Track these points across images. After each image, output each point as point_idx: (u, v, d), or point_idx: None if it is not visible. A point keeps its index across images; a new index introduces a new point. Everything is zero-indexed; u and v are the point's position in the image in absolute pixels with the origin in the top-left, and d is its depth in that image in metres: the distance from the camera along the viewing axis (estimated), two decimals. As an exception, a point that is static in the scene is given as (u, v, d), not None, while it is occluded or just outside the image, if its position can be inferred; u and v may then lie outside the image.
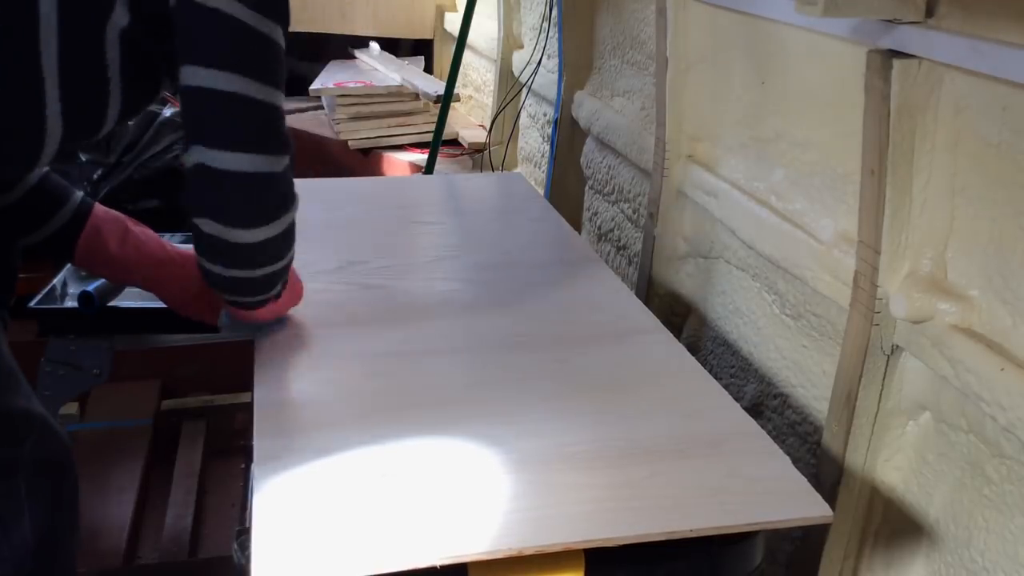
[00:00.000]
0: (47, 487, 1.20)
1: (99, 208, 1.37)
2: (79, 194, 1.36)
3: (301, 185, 1.76)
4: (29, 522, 1.16)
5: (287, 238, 1.14)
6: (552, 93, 2.58)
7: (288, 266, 1.19)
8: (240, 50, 1.02)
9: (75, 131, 1.07)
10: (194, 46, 1.02)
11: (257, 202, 1.07)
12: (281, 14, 1.05)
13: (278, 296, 1.23)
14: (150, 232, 1.43)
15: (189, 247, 1.51)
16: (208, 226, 1.08)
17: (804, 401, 1.50)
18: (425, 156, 2.90)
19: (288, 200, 1.11)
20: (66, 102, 1.02)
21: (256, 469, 0.99)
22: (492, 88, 3.18)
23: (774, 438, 1.09)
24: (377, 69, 3.52)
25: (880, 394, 1.25)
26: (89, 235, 1.34)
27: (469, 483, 0.98)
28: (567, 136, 2.53)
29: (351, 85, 3.22)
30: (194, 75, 1.01)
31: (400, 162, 3.19)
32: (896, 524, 1.29)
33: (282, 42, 1.06)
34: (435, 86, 3.37)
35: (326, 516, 0.92)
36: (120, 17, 1.02)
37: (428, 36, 3.97)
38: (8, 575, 1.16)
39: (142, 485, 1.91)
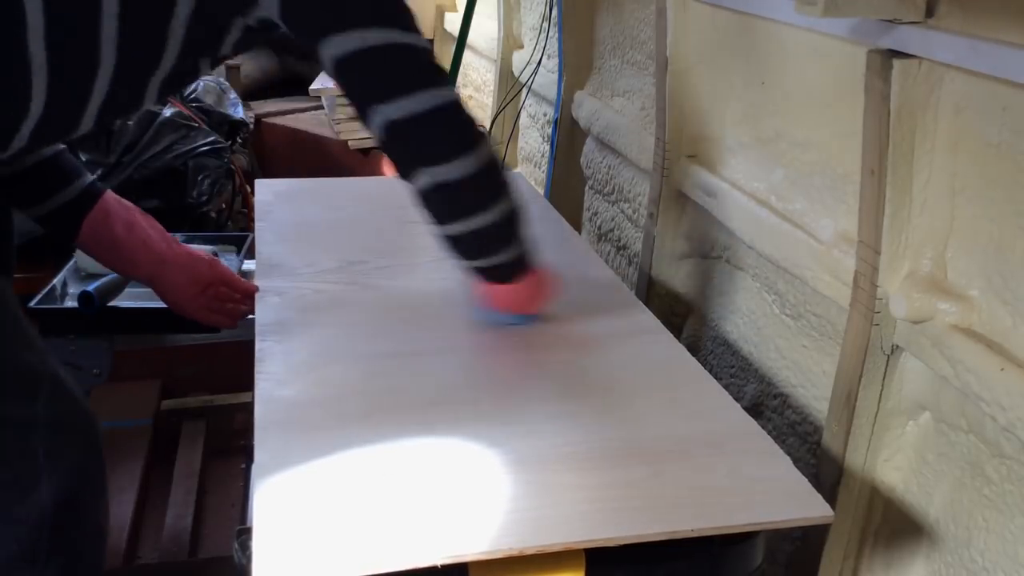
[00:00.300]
0: (68, 452, 1.20)
1: (110, 194, 1.37)
2: (91, 177, 1.36)
3: (301, 185, 1.77)
4: (47, 485, 1.16)
5: (493, 174, 1.14)
6: (552, 93, 2.58)
7: (510, 218, 1.19)
8: (365, 5, 1.06)
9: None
10: (325, 19, 1.05)
11: (448, 131, 1.10)
12: None
13: (517, 270, 1.23)
14: (158, 226, 1.44)
15: (194, 247, 1.52)
16: (421, 178, 1.11)
17: (804, 401, 1.50)
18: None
19: (474, 128, 1.12)
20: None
21: (256, 469, 0.99)
22: (492, 88, 3.18)
23: (774, 438, 1.09)
24: (377, 69, 3.51)
25: (880, 394, 1.25)
26: (96, 217, 1.34)
27: (469, 483, 0.98)
28: (567, 136, 2.53)
29: (351, 85, 3.21)
30: (337, 45, 1.04)
31: (400, 162, 3.19)
32: (896, 524, 1.30)
33: None
34: (435, 86, 3.35)
35: (326, 516, 0.92)
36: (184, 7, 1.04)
37: (428, 36, 3.96)
38: (23, 538, 1.15)
39: (142, 485, 1.91)
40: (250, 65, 3.96)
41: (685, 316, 1.91)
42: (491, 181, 1.15)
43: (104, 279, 1.76)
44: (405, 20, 1.08)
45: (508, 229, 1.20)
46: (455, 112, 1.11)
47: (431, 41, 4.01)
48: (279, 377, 1.18)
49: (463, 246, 1.20)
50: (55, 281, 1.88)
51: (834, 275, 1.34)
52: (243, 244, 2.07)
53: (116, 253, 1.39)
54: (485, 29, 3.22)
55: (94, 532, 1.28)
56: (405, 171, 1.13)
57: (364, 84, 1.09)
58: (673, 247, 1.91)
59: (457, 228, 1.16)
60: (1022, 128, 1.05)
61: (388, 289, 1.46)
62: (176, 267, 1.43)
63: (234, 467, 2.04)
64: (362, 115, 1.10)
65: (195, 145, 2.78)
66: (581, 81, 2.47)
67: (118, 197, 1.39)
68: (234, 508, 1.94)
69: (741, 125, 1.67)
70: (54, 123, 1.06)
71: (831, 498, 1.29)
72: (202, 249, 1.54)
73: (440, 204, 1.15)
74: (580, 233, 2.46)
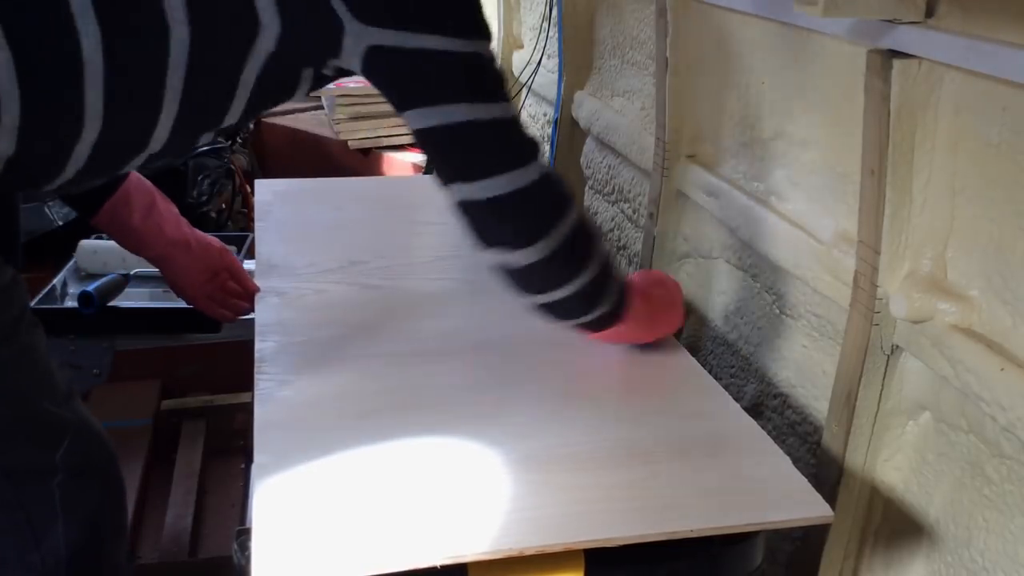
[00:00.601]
0: (87, 494, 1.18)
1: (133, 175, 1.37)
2: None
3: (301, 185, 1.76)
4: (63, 530, 1.14)
5: (568, 253, 1.06)
6: (552, 93, 2.58)
7: (595, 282, 1.09)
8: (452, 79, 0.98)
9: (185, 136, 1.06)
10: (408, 90, 0.99)
11: (520, 217, 1.03)
12: (480, 28, 1.01)
13: (612, 321, 1.15)
14: (174, 209, 1.44)
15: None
16: (492, 257, 1.05)
17: (804, 401, 1.50)
18: (425, 156, 2.89)
19: (553, 209, 1.04)
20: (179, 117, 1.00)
21: (256, 469, 1.00)
22: (492, 88, 3.18)
23: (774, 438, 1.09)
24: (377, 69, 3.51)
25: (880, 394, 1.25)
26: (118, 200, 1.34)
27: (469, 483, 0.98)
28: (567, 136, 2.53)
29: (351, 85, 3.22)
30: (418, 118, 0.99)
31: (400, 162, 3.19)
32: (896, 524, 1.29)
33: (490, 54, 1.01)
34: (435, 86, 3.34)
35: (326, 516, 0.92)
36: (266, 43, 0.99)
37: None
38: None
39: (142, 485, 1.91)
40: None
41: (685, 316, 1.91)
42: (566, 261, 1.07)
43: (104, 279, 1.77)
44: (492, 89, 1.01)
45: (591, 295, 1.11)
46: (533, 194, 1.03)
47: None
48: (279, 377, 1.18)
49: (544, 313, 1.13)
50: (55, 281, 1.88)
51: (834, 275, 1.34)
52: (243, 244, 2.07)
53: (130, 235, 1.40)
54: (485, 29, 3.21)
55: (112, 573, 1.26)
56: (476, 245, 1.07)
57: (444, 160, 1.04)
58: (673, 247, 1.91)
59: (533, 300, 1.10)
60: (1022, 128, 1.05)
61: (388, 289, 1.46)
62: (187, 251, 1.44)
63: (234, 467, 2.04)
64: (442, 185, 1.06)
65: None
66: (581, 81, 2.47)
67: (140, 177, 1.38)
68: (234, 508, 1.94)
69: (741, 125, 1.67)
70: (95, 170, 1.04)
71: (831, 498, 1.29)
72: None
73: (511, 282, 1.09)
74: (580, 233, 2.46)
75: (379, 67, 0.99)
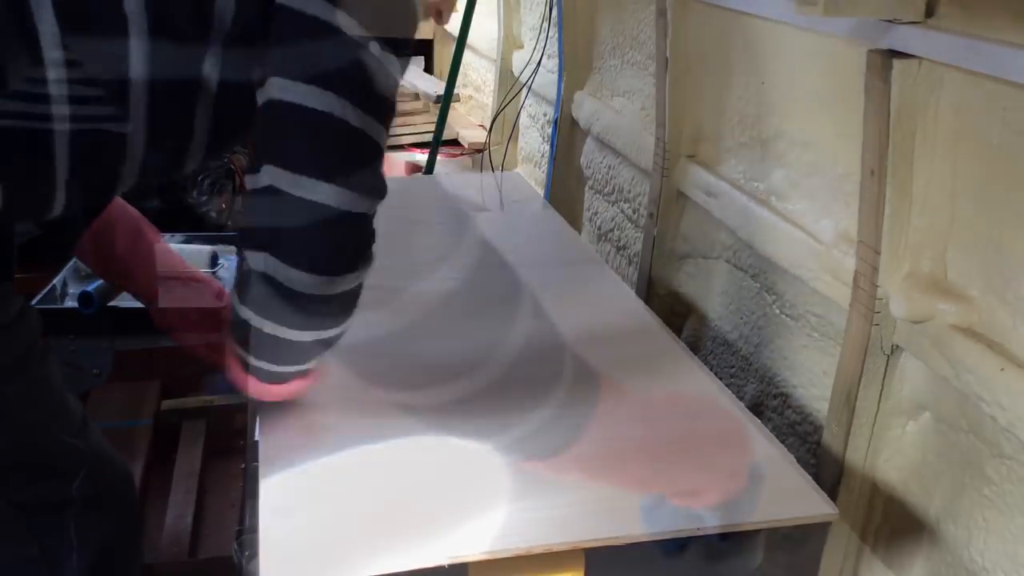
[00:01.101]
0: (102, 524, 1.15)
1: (118, 201, 1.29)
2: None
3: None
4: (77, 561, 1.11)
5: (349, 302, 0.98)
6: (552, 93, 2.58)
7: (334, 340, 1.01)
8: (339, 67, 0.89)
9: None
10: (287, 61, 0.89)
11: (331, 243, 0.94)
12: (401, 43, 0.92)
13: (304, 374, 1.06)
14: (163, 243, 1.36)
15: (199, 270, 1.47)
16: (263, 262, 0.91)
17: (804, 401, 1.50)
18: (425, 156, 2.90)
19: (363, 256, 0.97)
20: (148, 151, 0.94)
21: (261, 470, 1.00)
22: (492, 88, 3.18)
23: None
24: (377, 69, 3.51)
25: (880, 394, 1.25)
26: (100, 228, 1.27)
27: (469, 483, 0.98)
28: (567, 136, 2.53)
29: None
30: (282, 88, 0.88)
31: (400, 162, 3.19)
32: (896, 524, 1.30)
33: (394, 73, 0.92)
34: (435, 86, 3.36)
35: (328, 516, 0.92)
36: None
37: (428, 36, 3.97)
38: None
39: (142, 485, 1.91)
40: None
41: (685, 316, 1.91)
42: (330, 311, 0.97)
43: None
44: (375, 103, 0.91)
45: (317, 352, 1.02)
46: (349, 225, 0.94)
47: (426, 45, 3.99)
48: (279, 377, 1.18)
49: (257, 344, 0.99)
50: (55, 281, 1.88)
51: (834, 275, 1.34)
52: (243, 244, 2.06)
53: (114, 267, 1.32)
54: (485, 29, 3.22)
55: None
56: (247, 242, 0.93)
57: (278, 140, 0.90)
58: (673, 247, 1.91)
59: (259, 324, 0.96)
60: (1022, 128, 1.05)
61: (388, 289, 1.46)
62: (177, 287, 1.35)
63: (234, 467, 2.04)
64: (255, 162, 0.91)
65: (195, 145, 2.77)
66: (581, 81, 2.47)
67: (125, 204, 1.30)
68: (234, 508, 1.94)
69: (741, 125, 1.67)
70: (79, 200, 0.99)
71: (831, 498, 1.28)
72: (203, 249, 1.52)
73: (260, 297, 0.94)
74: (580, 233, 2.46)
75: (278, 25, 0.89)
